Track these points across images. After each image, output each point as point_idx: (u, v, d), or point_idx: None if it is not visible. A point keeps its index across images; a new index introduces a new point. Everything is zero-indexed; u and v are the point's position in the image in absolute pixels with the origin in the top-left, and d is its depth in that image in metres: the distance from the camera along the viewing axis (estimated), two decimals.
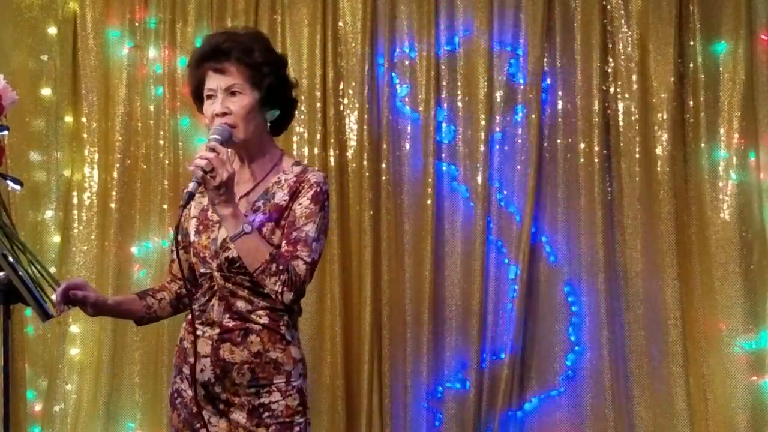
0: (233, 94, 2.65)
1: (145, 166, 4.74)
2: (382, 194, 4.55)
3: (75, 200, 4.78)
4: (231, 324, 2.68)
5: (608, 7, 4.49)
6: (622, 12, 4.47)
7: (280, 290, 2.59)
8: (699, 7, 4.43)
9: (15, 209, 4.61)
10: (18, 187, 3.15)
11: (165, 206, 4.68)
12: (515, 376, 4.45)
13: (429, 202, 4.53)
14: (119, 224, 4.72)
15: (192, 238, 2.76)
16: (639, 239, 4.44)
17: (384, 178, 4.56)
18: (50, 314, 2.62)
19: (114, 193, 4.73)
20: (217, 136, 2.58)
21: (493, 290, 4.52)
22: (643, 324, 4.42)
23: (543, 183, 4.52)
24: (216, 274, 2.69)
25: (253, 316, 2.68)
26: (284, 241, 2.65)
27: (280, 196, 2.69)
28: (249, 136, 2.68)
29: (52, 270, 4.47)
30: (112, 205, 4.73)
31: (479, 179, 4.51)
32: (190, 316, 2.73)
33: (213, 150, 2.53)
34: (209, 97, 2.68)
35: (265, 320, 2.68)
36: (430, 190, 4.53)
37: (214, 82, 2.67)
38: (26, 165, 4.73)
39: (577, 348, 4.48)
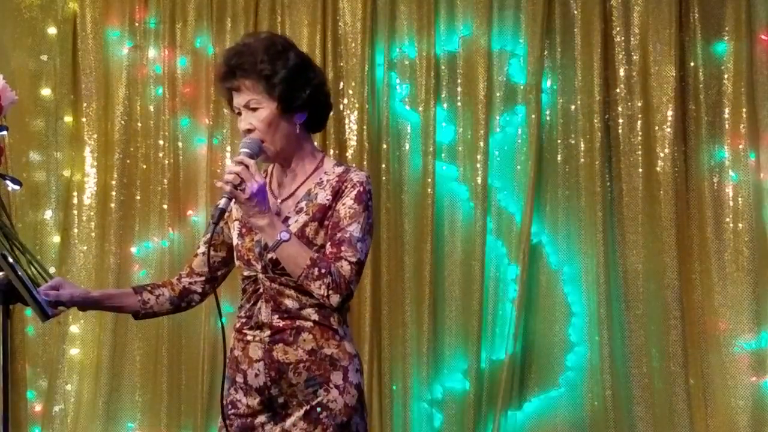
0: (253, 109, 2.65)
1: (144, 166, 4.74)
2: (382, 194, 4.55)
3: (75, 200, 4.77)
4: (281, 324, 2.65)
5: (608, 7, 4.49)
6: (623, 12, 4.47)
7: (325, 294, 2.59)
8: (699, 8, 4.43)
9: (15, 209, 4.61)
10: (17, 187, 3.16)
11: (165, 206, 4.68)
12: (515, 376, 4.45)
13: (429, 202, 4.53)
14: (119, 224, 4.72)
15: (235, 241, 2.76)
16: (639, 239, 4.44)
17: (384, 178, 4.56)
18: (50, 314, 2.62)
19: (114, 193, 4.73)
20: (246, 150, 2.60)
21: (493, 290, 4.52)
22: (643, 324, 4.42)
23: (543, 183, 4.52)
24: (261, 276, 2.68)
25: (303, 313, 2.65)
26: (328, 243, 2.64)
27: (323, 196, 2.68)
28: (280, 146, 2.68)
29: (52, 270, 4.47)
30: (112, 205, 4.72)
31: (479, 179, 4.51)
32: (238, 324, 2.72)
33: (241, 163, 2.55)
34: (238, 113, 2.70)
35: (315, 317, 2.65)
36: (430, 190, 4.53)
37: (235, 99, 2.69)
38: (26, 165, 4.73)
39: (577, 348, 4.47)
